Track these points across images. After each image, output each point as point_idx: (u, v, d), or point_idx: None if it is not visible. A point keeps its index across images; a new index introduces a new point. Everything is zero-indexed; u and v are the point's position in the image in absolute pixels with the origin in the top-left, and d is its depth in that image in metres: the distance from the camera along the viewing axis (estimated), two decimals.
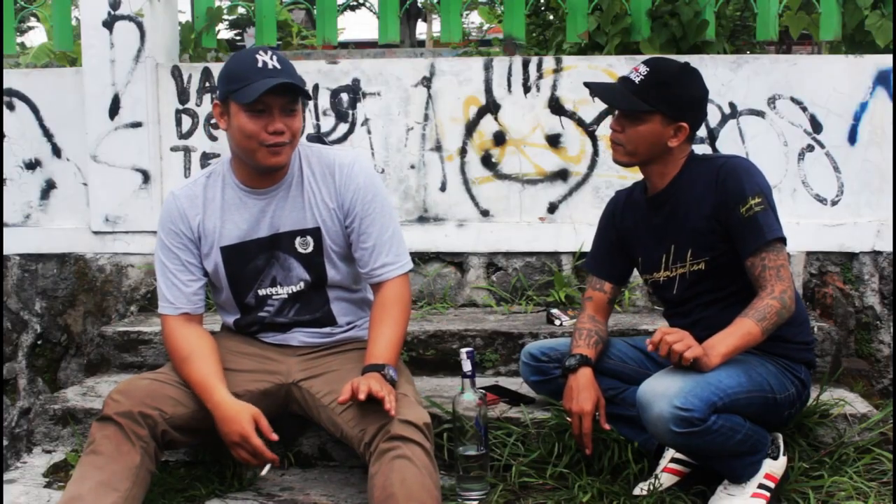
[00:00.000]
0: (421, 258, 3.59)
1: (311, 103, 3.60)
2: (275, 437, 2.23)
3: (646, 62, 2.37)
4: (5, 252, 3.64)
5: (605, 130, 3.51)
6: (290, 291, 2.42)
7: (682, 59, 2.57)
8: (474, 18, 18.07)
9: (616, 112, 2.40)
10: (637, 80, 2.33)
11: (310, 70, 3.59)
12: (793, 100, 3.46)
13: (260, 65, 2.23)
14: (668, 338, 2.15)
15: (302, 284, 2.42)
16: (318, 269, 2.41)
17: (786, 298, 2.22)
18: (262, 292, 2.43)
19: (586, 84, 2.47)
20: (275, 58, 2.25)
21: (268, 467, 2.25)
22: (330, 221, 2.38)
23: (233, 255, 2.40)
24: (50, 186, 3.70)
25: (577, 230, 3.51)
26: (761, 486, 2.27)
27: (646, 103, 2.30)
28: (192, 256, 2.42)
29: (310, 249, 2.39)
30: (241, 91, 2.21)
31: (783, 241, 2.29)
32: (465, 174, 3.60)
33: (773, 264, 2.25)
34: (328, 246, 2.39)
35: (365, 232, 2.37)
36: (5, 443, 3.46)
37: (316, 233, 2.38)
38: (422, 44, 17.14)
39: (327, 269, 2.41)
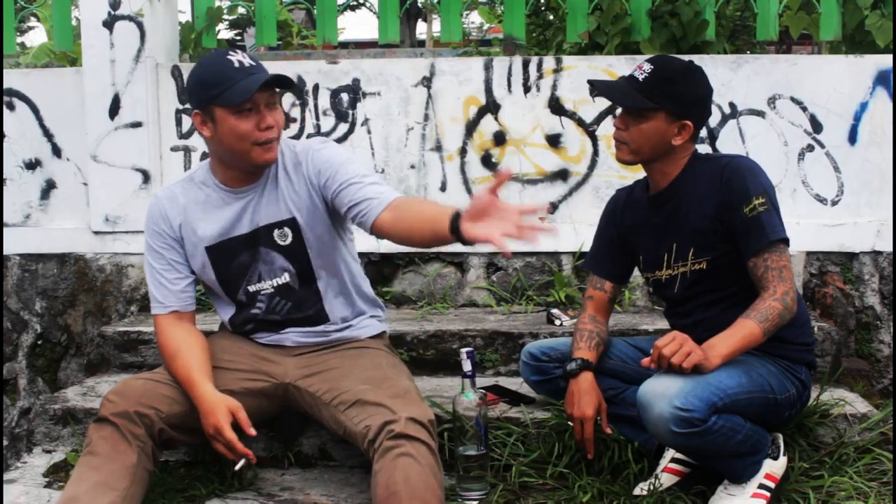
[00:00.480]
0: (421, 258, 3.59)
1: (311, 103, 3.60)
2: (252, 432, 2.23)
3: (650, 60, 2.36)
4: (5, 252, 3.63)
5: (605, 130, 3.51)
6: (276, 284, 2.41)
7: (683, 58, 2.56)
8: (474, 18, 18.10)
9: (619, 110, 2.39)
10: (641, 77, 2.31)
11: (310, 70, 3.59)
12: (793, 100, 3.45)
13: (237, 65, 2.22)
14: (664, 350, 2.13)
15: (287, 276, 2.41)
16: (301, 259, 2.40)
17: (788, 300, 2.22)
18: (251, 288, 2.43)
19: (590, 82, 2.44)
20: (245, 56, 2.25)
21: (242, 462, 2.24)
22: (307, 209, 2.35)
23: (218, 255, 2.40)
24: (50, 186, 3.70)
25: (577, 230, 3.51)
26: (761, 486, 2.27)
27: (650, 101, 2.29)
28: (178, 255, 2.42)
29: (289, 241, 2.38)
30: (228, 93, 2.20)
31: (786, 241, 2.28)
32: (466, 174, 3.60)
33: (776, 265, 2.24)
34: (307, 235, 2.37)
35: (345, 186, 2.28)
36: (5, 443, 3.46)
37: (293, 223, 2.37)
38: (422, 44, 17.15)
39: (311, 258, 2.40)
